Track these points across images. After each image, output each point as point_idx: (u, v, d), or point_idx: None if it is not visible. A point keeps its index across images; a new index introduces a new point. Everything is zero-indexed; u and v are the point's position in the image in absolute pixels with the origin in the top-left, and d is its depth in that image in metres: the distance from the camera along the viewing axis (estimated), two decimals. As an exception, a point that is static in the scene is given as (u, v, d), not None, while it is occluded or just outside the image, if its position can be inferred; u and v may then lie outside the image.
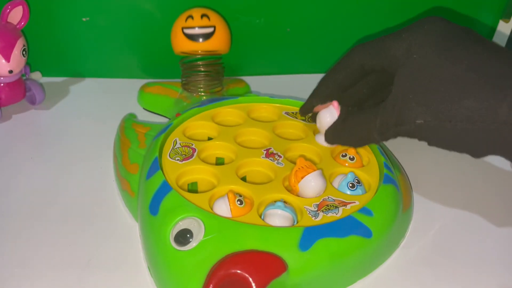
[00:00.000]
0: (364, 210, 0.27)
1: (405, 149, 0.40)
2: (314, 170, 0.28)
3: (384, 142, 0.39)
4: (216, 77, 0.42)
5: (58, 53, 0.49)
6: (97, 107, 0.46)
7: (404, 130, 0.24)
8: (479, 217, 0.33)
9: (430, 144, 0.24)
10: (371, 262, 0.27)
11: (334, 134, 0.31)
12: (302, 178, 0.28)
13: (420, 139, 0.24)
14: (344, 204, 0.27)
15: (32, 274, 0.27)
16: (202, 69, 0.41)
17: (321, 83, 0.31)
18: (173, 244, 0.24)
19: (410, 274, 0.28)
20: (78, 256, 0.28)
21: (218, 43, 0.41)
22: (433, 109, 0.23)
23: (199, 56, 0.41)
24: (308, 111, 0.33)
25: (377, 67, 0.28)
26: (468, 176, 0.37)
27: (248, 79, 0.49)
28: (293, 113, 0.38)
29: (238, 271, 0.23)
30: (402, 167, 0.36)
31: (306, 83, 0.51)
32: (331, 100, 0.31)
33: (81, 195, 0.34)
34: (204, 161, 0.31)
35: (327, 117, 0.32)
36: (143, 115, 0.43)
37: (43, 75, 0.47)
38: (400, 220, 0.29)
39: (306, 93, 0.33)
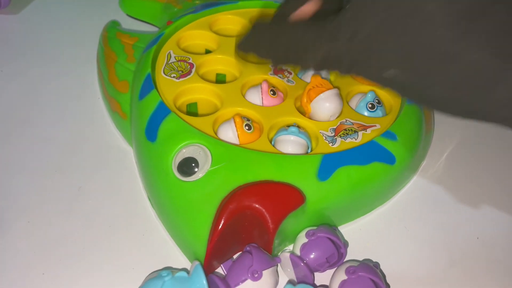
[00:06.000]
0: (388, 134, 0.24)
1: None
2: (329, 89, 0.25)
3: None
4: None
5: None
6: (73, 10, 0.40)
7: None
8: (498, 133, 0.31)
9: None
10: (392, 189, 0.25)
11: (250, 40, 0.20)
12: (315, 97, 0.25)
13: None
14: (364, 127, 0.25)
15: (16, 206, 0.24)
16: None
17: None
18: (177, 174, 0.22)
19: (428, 198, 0.26)
20: (67, 183, 0.26)
21: None
22: None
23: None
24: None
25: None
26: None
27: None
28: (301, 21, 0.33)
29: (253, 204, 0.20)
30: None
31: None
32: None
33: (63, 115, 0.30)
34: (203, 78, 0.28)
35: None
36: (127, 23, 0.38)
37: (5, -28, 0.40)
38: (423, 144, 0.27)
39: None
